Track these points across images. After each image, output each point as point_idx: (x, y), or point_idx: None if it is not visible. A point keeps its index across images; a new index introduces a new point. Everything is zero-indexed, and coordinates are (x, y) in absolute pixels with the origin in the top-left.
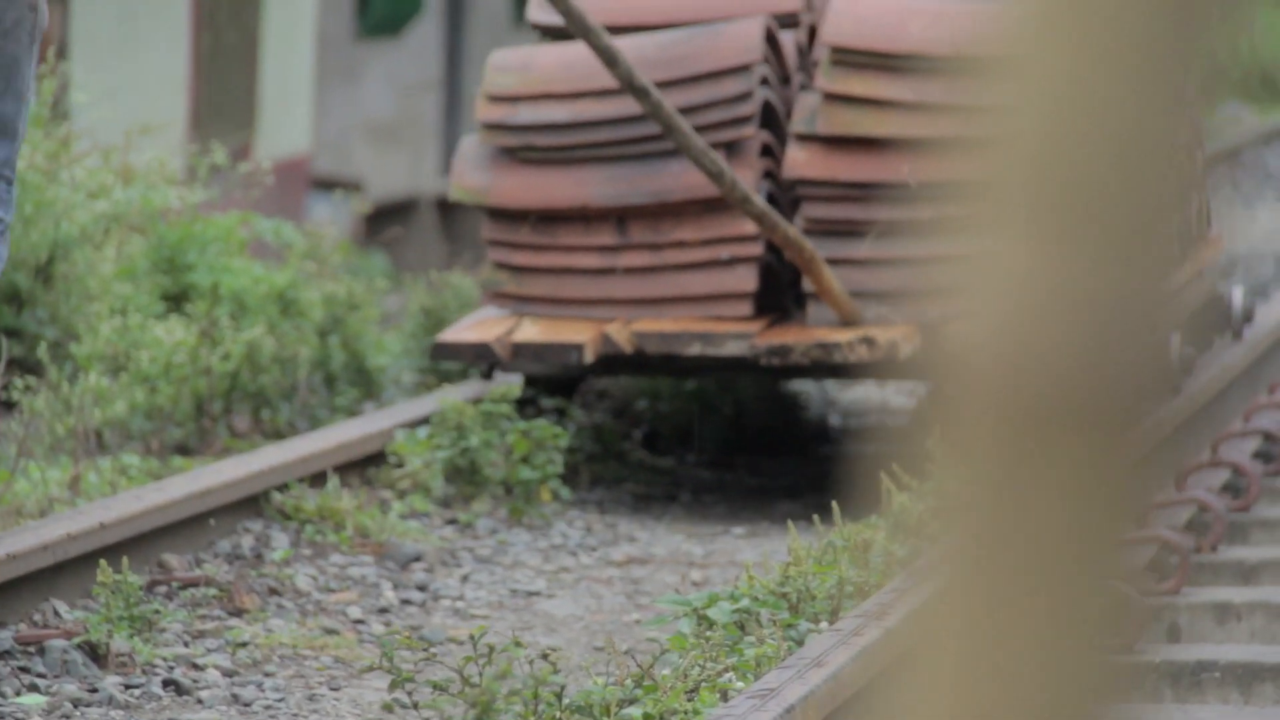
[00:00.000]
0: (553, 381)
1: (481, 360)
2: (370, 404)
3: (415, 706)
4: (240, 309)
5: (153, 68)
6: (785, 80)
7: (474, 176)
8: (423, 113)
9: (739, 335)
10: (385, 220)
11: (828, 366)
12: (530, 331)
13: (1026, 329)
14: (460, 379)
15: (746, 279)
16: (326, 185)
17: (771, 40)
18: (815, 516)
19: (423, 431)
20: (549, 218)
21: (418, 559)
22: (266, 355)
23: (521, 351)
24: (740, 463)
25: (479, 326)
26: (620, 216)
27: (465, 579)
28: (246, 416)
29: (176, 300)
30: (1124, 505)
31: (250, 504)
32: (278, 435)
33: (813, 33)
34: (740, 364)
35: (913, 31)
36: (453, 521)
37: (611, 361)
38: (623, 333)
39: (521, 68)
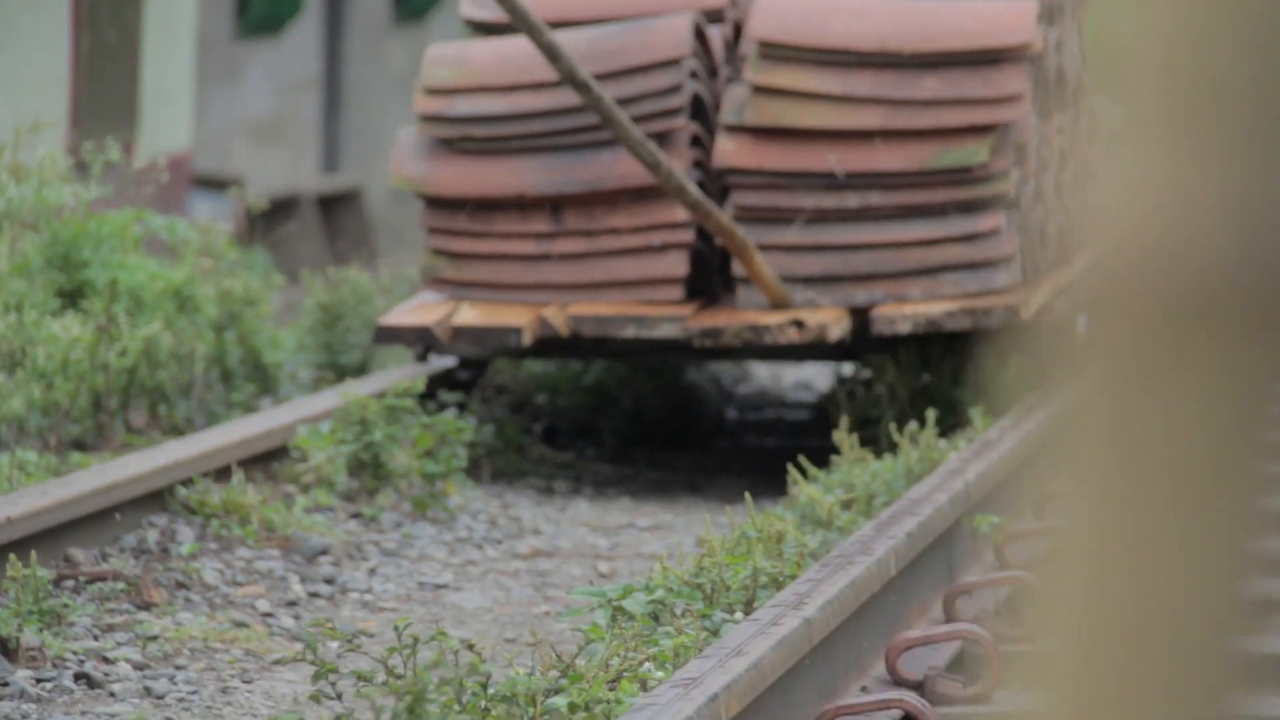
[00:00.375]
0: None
1: (422, 343)
2: (267, 400)
3: (339, 697)
4: (136, 305)
5: (32, 67)
6: (713, 74)
7: (412, 166)
8: (302, 111)
9: (672, 318)
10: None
11: (758, 348)
12: (469, 315)
13: (1171, 228)
14: (360, 374)
15: (678, 264)
16: (207, 184)
17: (700, 35)
18: (726, 508)
19: (326, 426)
20: (486, 206)
21: (324, 553)
22: (164, 351)
23: (461, 335)
24: (640, 456)
25: (419, 310)
26: (555, 204)
27: (372, 572)
28: (143, 412)
29: (71, 297)
30: (1267, 407)
31: (155, 499)
32: (175, 431)
33: (738, 28)
34: (673, 346)
35: (837, 27)
36: (357, 515)
37: (547, 344)
38: (559, 316)
39: (458, 62)
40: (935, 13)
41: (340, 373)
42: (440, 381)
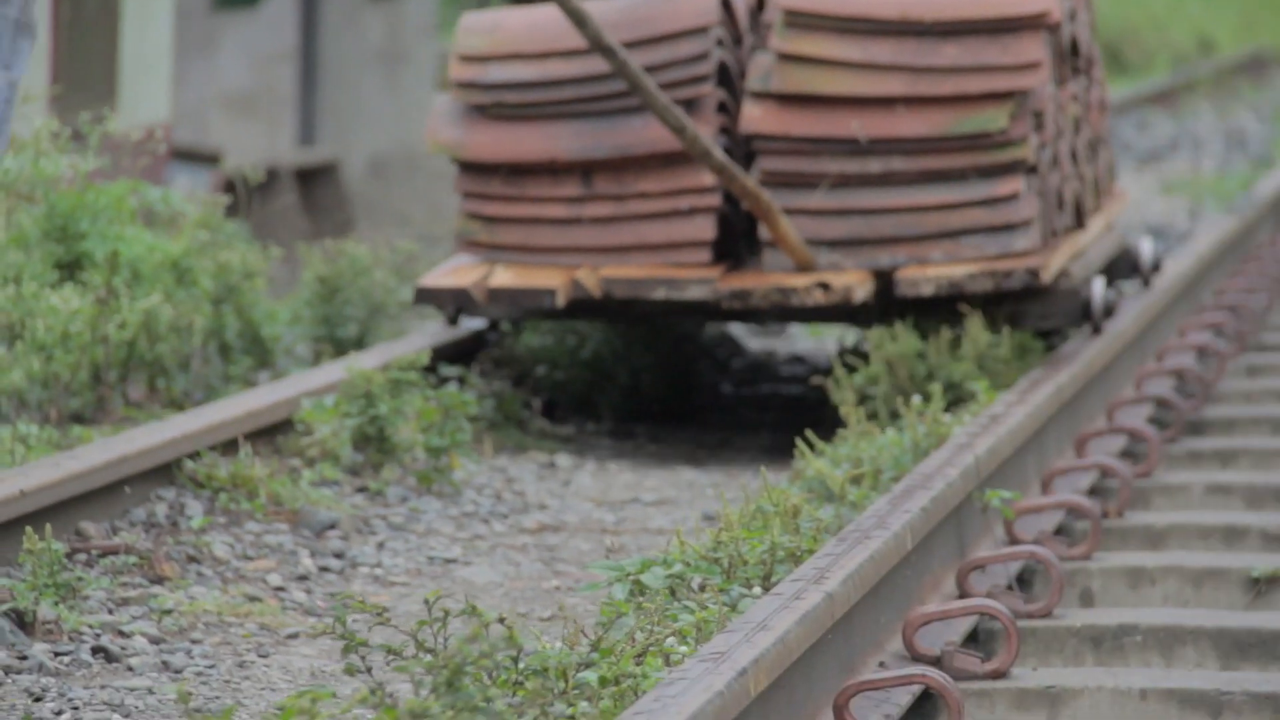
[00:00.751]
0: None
1: (459, 304)
2: (264, 373)
3: (369, 670)
4: (135, 278)
5: None
6: (738, 41)
7: (448, 132)
8: (279, 83)
9: (701, 280)
10: (245, 190)
11: (785, 310)
12: (504, 277)
13: None
14: (358, 347)
15: (705, 228)
16: (185, 156)
17: (725, 4)
18: (734, 482)
19: (330, 399)
20: (519, 171)
21: (332, 526)
22: (163, 324)
23: (497, 296)
24: (639, 431)
25: (455, 273)
26: (586, 169)
27: (381, 546)
28: (142, 385)
29: (69, 269)
30: None
31: (163, 472)
32: (174, 404)
33: None
34: (702, 308)
35: None
36: (363, 489)
37: (579, 305)
38: (591, 278)
39: (491, 29)
40: None
41: (338, 346)
42: (440, 355)
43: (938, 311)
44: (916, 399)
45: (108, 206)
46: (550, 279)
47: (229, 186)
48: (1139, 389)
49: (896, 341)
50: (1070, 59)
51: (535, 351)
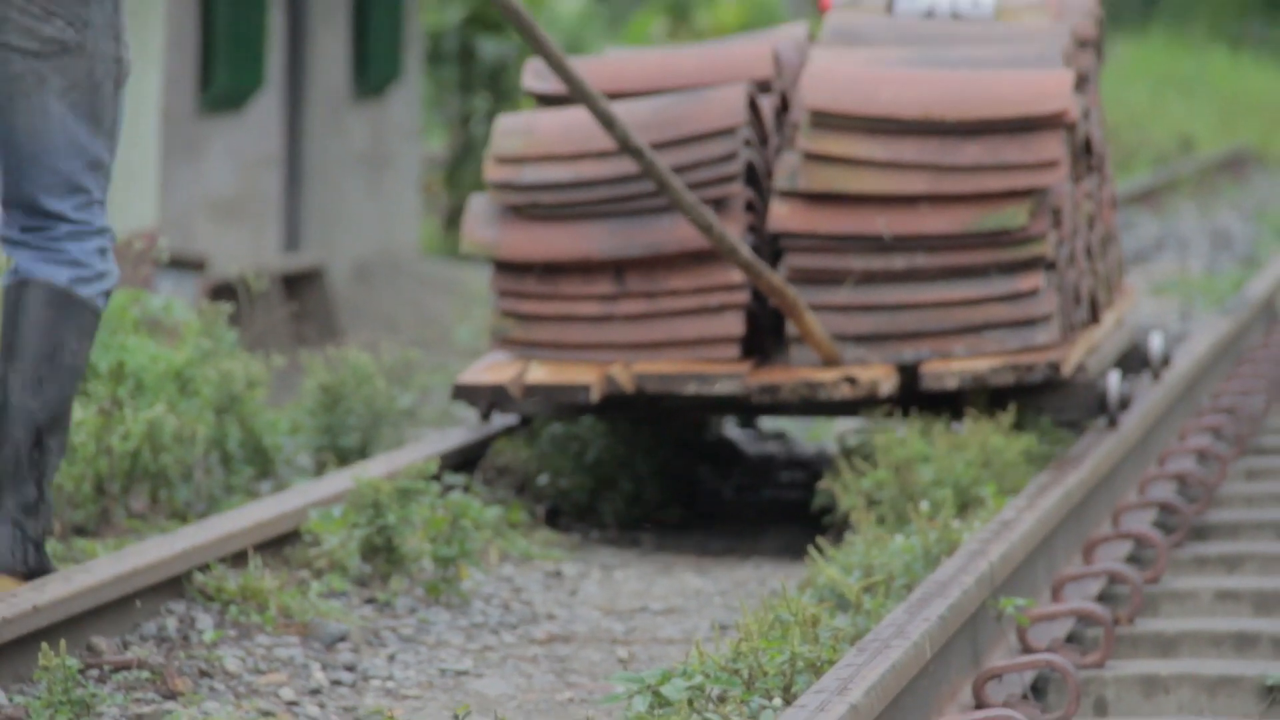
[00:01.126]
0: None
1: (497, 400)
2: (266, 483)
3: None
4: (138, 388)
5: None
6: (764, 141)
7: (483, 232)
8: (264, 188)
9: (731, 375)
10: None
11: (813, 403)
12: (539, 374)
13: None
14: (361, 456)
15: (734, 324)
16: (171, 263)
17: (752, 105)
18: (755, 591)
19: (338, 510)
20: (553, 269)
21: (342, 639)
22: (167, 434)
23: (533, 392)
24: (644, 538)
25: (492, 369)
26: (618, 267)
27: (392, 659)
28: (144, 497)
29: None
30: None
31: (173, 585)
32: (177, 516)
33: (784, 98)
34: (731, 402)
35: (883, 96)
36: (371, 600)
37: (611, 401)
38: (624, 374)
39: (525, 131)
40: (976, 82)
41: (341, 455)
42: (443, 463)
43: (958, 404)
44: (925, 505)
45: (110, 316)
46: (585, 375)
47: (216, 293)
48: (1143, 493)
49: (904, 445)
50: (1085, 157)
51: (537, 459)
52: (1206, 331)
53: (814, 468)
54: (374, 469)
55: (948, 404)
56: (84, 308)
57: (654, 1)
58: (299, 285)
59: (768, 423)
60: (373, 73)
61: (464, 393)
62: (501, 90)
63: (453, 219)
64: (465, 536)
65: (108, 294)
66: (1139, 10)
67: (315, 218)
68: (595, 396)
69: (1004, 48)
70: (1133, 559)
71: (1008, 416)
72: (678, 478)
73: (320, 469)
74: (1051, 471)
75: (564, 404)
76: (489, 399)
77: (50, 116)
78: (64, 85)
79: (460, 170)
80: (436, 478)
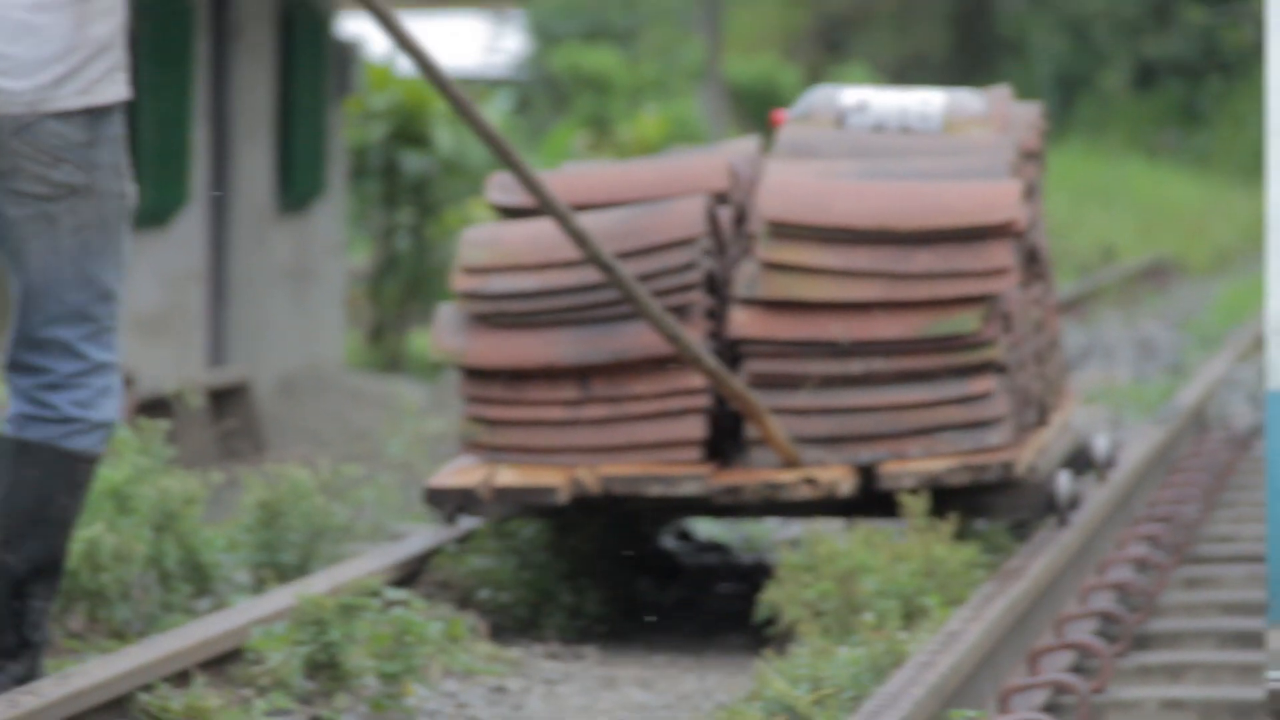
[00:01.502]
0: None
1: (466, 503)
2: (204, 601)
3: None
4: None
5: None
6: (722, 251)
7: (451, 340)
8: (189, 303)
9: (694, 477)
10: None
11: (774, 504)
12: (508, 477)
13: None
14: (301, 572)
15: (696, 427)
16: None
17: (710, 216)
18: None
19: (280, 627)
20: (519, 375)
21: None
22: (106, 553)
23: (502, 495)
24: (586, 652)
25: (460, 473)
26: (583, 373)
27: None
28: (82, 616)
29: None
30: None
31: (116, 706)
32: (115, 635)
33: (740, 210)
34: (695, 504)
35: (838, 207)
36: (316, 718)
37: (580, 503)
38: (591, 476)
39: (492, 243)
40: (927, 193)
41: (280, 571)
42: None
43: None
44: (870, 615)
45: None
46: (552, 477)
47: (144, 409)
48: (1084, 602)
49: (847, 556)
50: (1032, 264)
51: (478, 573)
52: (1139, 440)
53: (754, 578)
54: (316, 585)
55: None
56: (77, 460)
57: (574, 114)
58: (225, 400)
59: (705, 531)
60: (297, 187)
61: (435, 496)
62: (425, 204)
63: (377, 332)
64: (409, 652)
65: (107, 437)
66: (1057, 120)
67: (240, 332)
68: (563, 498)
69: (953, 160)
70: (1077, 669)
71: (949, 526)
72: (618, 590)
73: (259, 586)
74: (996, 581)
75: (532, 506)
76: (458, 502)
77: (61, 253)
78: (75, 224)
79: (384, 284)
80: (377, 593)
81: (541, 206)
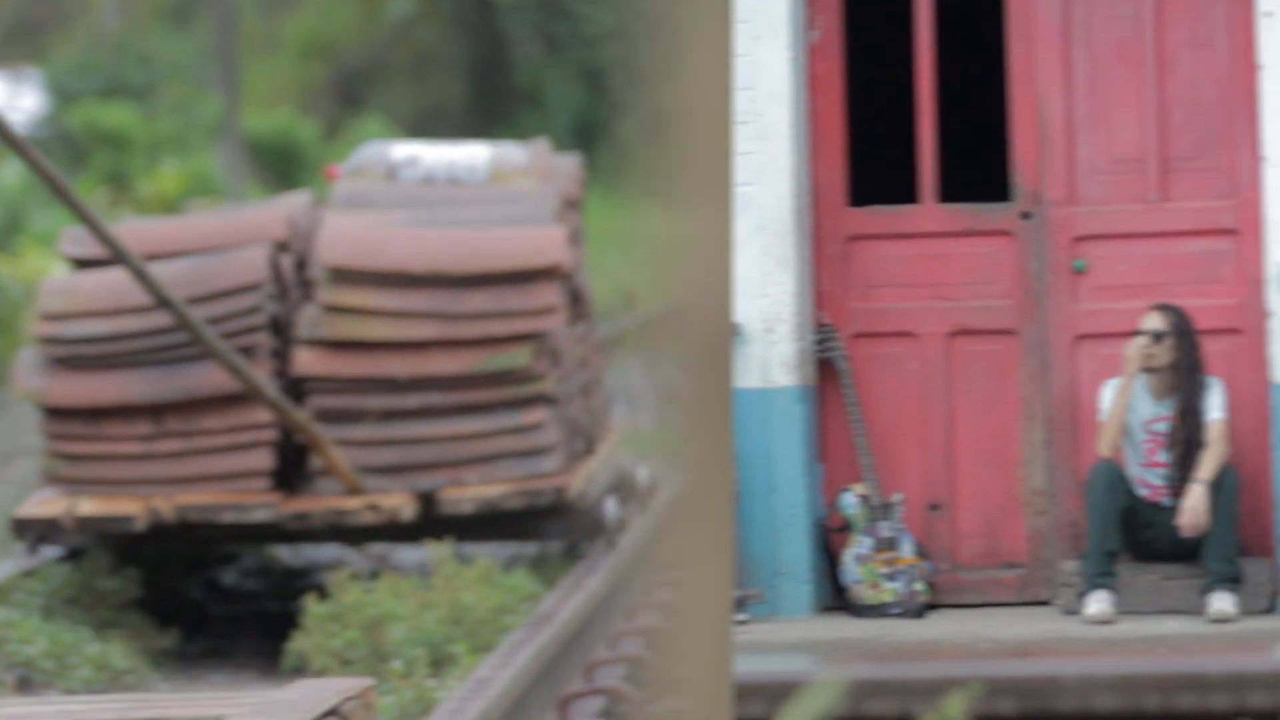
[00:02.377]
0: None
1: (49, 532)
2: None
3: None
4: None
5: None
6: (284, 295)
7: (32, 381)
8: None
9: (265, 504)
10: None
11: (341, 530)
12: (89, 507)
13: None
14: None
15: (264, 458)
16: None
17: (273, 263)
18: None
19: None
20: (97, 413)
21: None
22: None
23: (85, 524)
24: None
25: (44, 505)
26: (156, 410)
27: None
28: None
29: None
30: None
31: None
32: None
33: (301, 257)
34: (266, 530)
35: (394, 252)
36: None
37: (161, 531)
38: (166, 505)
39: (69, 291)
40: (479, 239)
41: None
42: None
43: (476, 528)
44: (398, 664)
45: None
46: (131, 507)
47: None
48: (614, 648)
49: (374, 604)
50: (576, 305)
51: (3, 625)
52: (665, 488)
53: (281, 628)
54: None
55: (474, 529)
56: None
57: (92, 171)
58: None
59: (230, 581)
60: None
61: (22, 526)
62: None
63: None
64: None
65: None
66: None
67: None
68: (141, 525)
69: (500, 208)
70: (607, 714)
71: (475, 571)
72: (146, 641)
73: None
74: (525, 629)
75: (113, 534)
76: (40, 532)
77: None
78: None
79: None
80: None
81: (111, 255)
